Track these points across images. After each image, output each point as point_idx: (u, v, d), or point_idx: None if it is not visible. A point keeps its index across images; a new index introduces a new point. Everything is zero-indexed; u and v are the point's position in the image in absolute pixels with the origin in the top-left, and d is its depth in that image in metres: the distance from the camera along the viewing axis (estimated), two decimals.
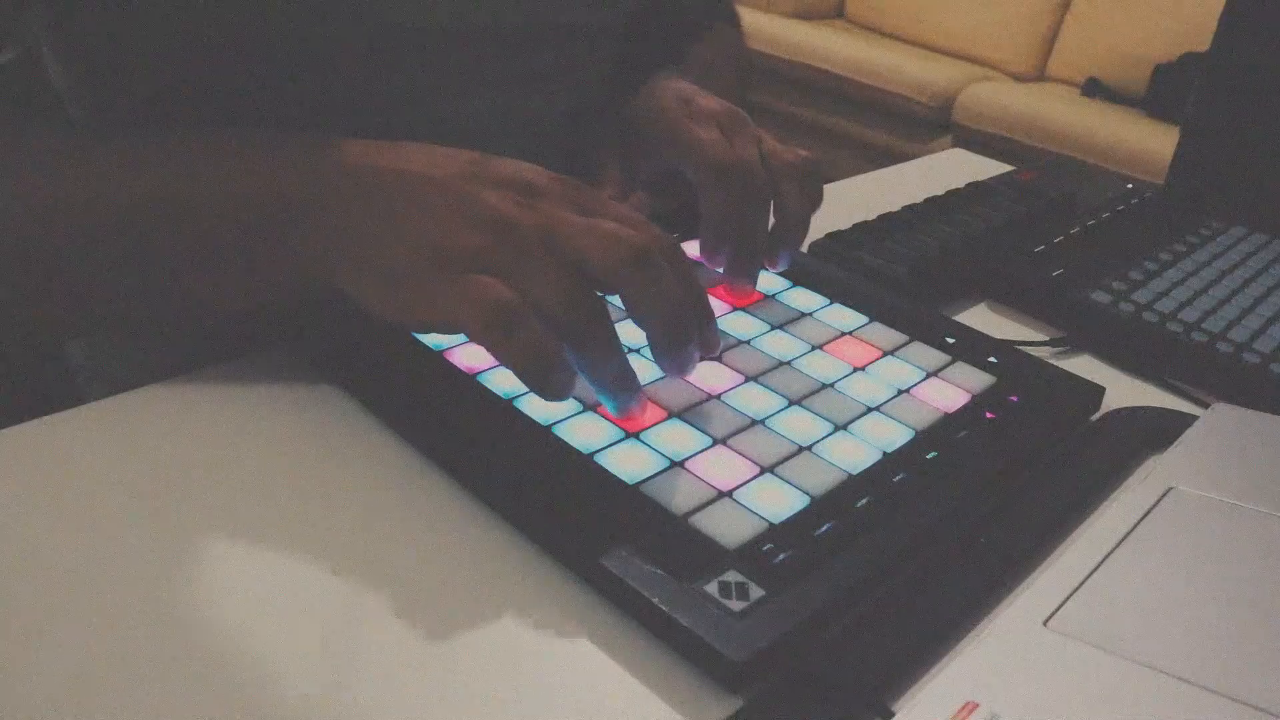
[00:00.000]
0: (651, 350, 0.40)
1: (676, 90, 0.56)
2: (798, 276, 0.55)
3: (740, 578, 0.33)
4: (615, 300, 0.40)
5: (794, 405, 0.43)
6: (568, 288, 0.37)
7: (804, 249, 0.60)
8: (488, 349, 0.37)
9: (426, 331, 0.39)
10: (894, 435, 0.42)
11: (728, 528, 0.35)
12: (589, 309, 0.37)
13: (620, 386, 0.39)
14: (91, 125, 0.50)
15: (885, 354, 0.48)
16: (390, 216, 0.39)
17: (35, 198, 0.42)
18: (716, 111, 0.54)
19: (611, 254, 0.38)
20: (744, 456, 0.39)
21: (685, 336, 0.39)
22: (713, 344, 0.42)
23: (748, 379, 0.45)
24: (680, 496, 0.37)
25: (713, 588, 0.33)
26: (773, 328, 0.49)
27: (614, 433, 0.40)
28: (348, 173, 0.41)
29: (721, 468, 0.39)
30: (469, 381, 0.42)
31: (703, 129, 0.52)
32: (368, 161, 0.41)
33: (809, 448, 0.40)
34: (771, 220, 0.52)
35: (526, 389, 0.41)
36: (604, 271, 0.38)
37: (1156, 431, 0.47)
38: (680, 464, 0.38)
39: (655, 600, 0.32)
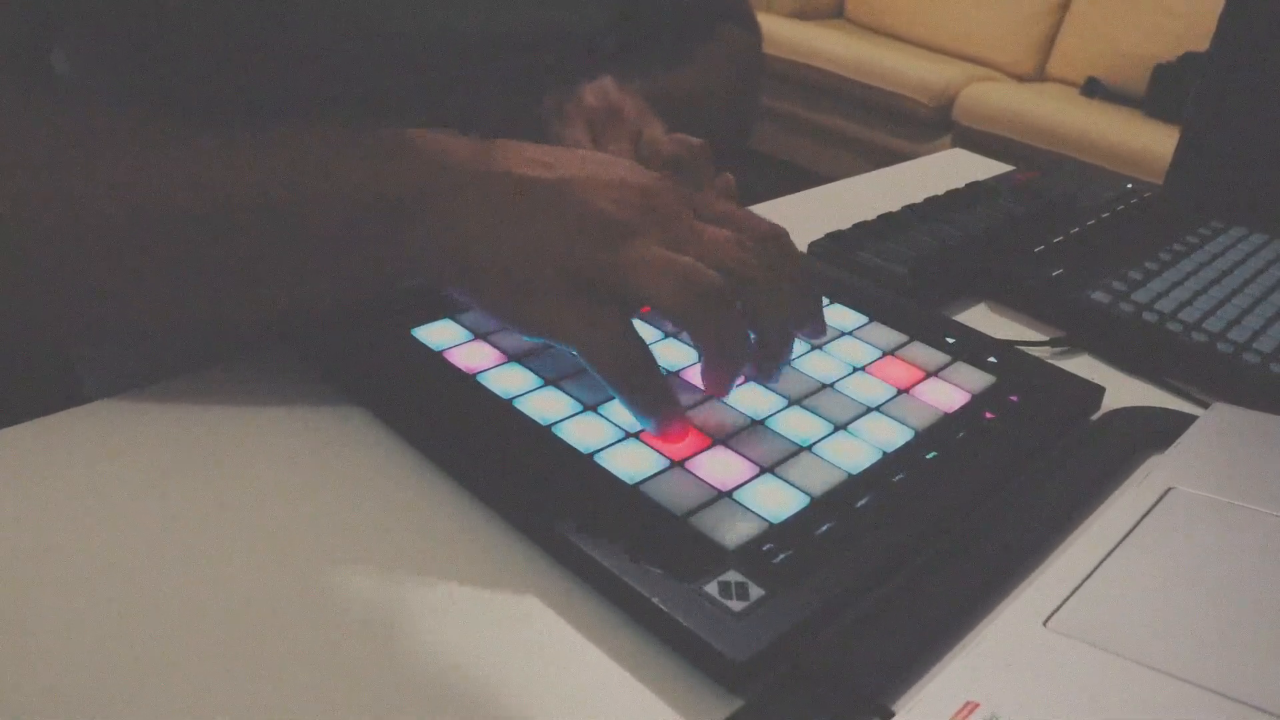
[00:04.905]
0: (771, 342, 0.41)
1: (580, 90, 0.54)
2: None
3: (740, 578, 0.33)
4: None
5: (794, 405, 0.43)
6: (688, 276, 0.38)
7: (804, 249, 0.61)
8: (604, 379, 0.38)
9: (537, 339, 0.40)
10: (894, 435, 0.42)
11: (728, 528, 0.35)
12: (716, 295, 0.38)
13: (738, 364, 0.40)
14: (187, 115, 0.48)
15: (885, 354, 0.48)
16: (512, 223, 0.39)
17: (128, 192, 0.39)
18: (591, 109, 0.52)
19: (738, 261, 0.39)
20: (744, 456, 0.39)
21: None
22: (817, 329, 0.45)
23: (748, 379, 0.45)
24: (680, 496, 0.37)
25: (713, 588, 0.33)
26: None
27: (614, 433, 0.40)
28: (467, 171, 0.40)
29: (721, 468, 0.39)
30: (469, 381, 0.42)
31: (572, 131, 0.51)
32: (485, 160, 0.40)
33: (809, 448, 0.40)
34: None
35: (525, 391, 0.42)
36: (734, 276, 0.39)
37: (1156, 431, 0.47)
38: (680, 464, 0.38)
39: (655, 600, 0.32)
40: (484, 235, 0.39)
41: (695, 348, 0.39)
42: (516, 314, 0.39)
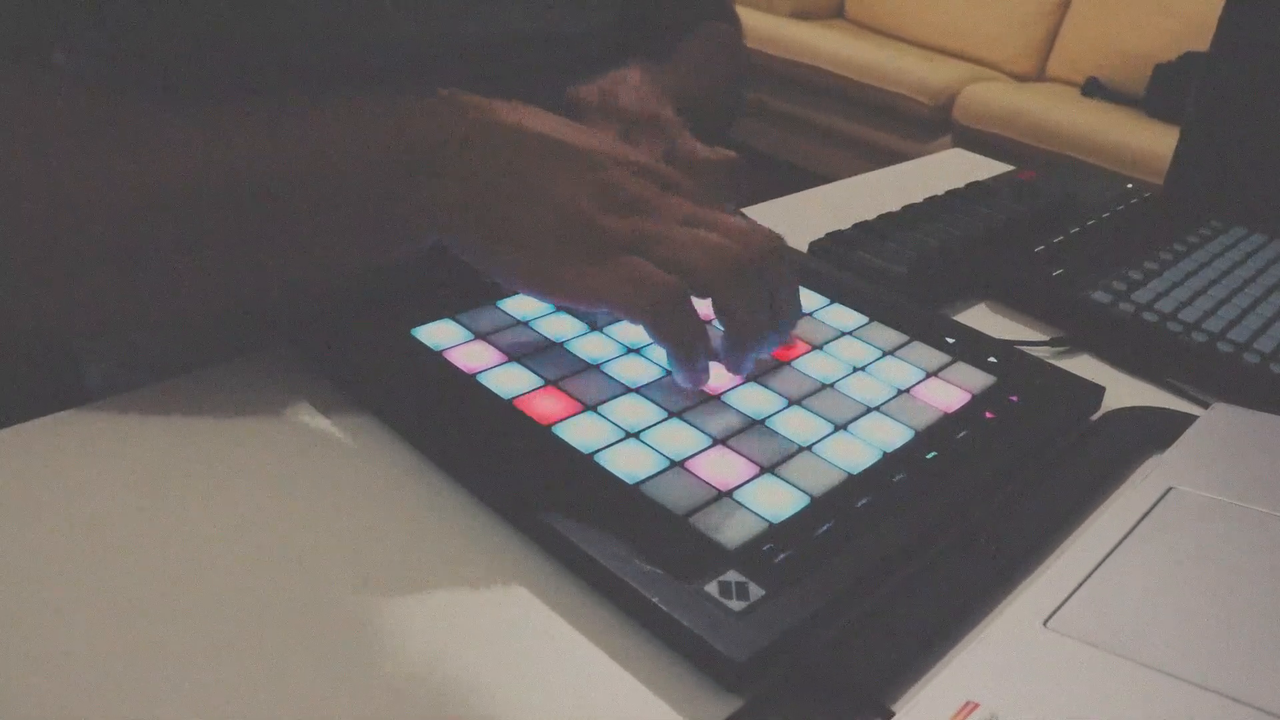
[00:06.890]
0: (734, 346, 0.42)
1: (608, 81, 0.54)
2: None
3: (740, 578, 0.33)
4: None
5: (794, 405, 0.43)
6: (718, 248, 0.39)
7: (804, 249, 0.61)
8: (647, 328, 0.39)
9: (566, 303, 0.40)
10: (894, 435, 0.42)
11: (728, 528, 0.35)
12: (742, 266, 0.39)
13: (762, 342, 0.41)
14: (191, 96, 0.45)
15: (885, 354, 0.48)
16: (534, 183, 0.39)
17: (138, 174, 0.38)
18: (629, 112, 0.52)
19: (739, 253, 0.40)
20: (744, 456, 0.39)
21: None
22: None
23: (748, 379, 0.45)
24: (680, 496, 0.37)
25: (713, 588, 0.33)
26: None
27: (614, 433, 0.40)
28: (484, 125, 0.40)
29: (721, 468, 0.39)
30: (469, 381, 0.42)
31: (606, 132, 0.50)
32: (503, 118, 0.40)
33: (809, 448, 0.40)
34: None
35: (525, 391, 0.42)
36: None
37: (1156, 431, 0.47)
38: (680, 464, 0.38)
39: (655, 600, 0.32)
40: (516, 200, 0.39)
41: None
42: (551, 286, 0.39)
